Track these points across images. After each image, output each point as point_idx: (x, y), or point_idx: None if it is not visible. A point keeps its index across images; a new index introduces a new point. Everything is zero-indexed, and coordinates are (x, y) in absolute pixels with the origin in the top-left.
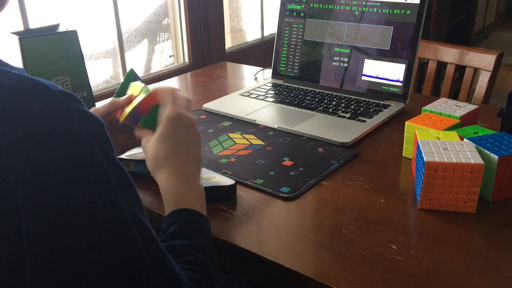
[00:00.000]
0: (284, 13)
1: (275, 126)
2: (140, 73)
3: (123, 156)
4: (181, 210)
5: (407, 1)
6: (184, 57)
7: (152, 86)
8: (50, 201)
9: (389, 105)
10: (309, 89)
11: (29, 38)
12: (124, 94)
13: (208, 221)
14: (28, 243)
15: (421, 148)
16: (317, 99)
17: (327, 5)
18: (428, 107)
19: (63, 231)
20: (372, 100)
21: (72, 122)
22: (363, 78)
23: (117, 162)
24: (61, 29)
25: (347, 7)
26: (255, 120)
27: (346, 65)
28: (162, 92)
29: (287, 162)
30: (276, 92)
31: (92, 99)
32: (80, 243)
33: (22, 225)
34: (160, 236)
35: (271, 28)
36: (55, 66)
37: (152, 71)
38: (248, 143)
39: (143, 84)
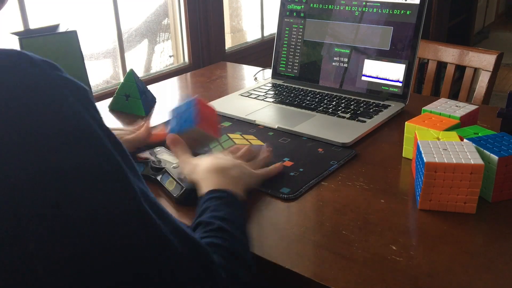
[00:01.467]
0: (284, 13)
1: (275, 126)
2: (140, 73)
3: None
4: (214, 190)
5: (407, 1)
6: (184, 57)
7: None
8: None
9: (389, 105)
10: (309, 89)
11: (29, 39)
12: (124, 94)
13: (238, 199)
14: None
15: (421, 149)
16: (317, 99)
17: (327, 5)
18: (428, 107)
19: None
20: (372, 100)
21: (56, 90)
22: (363, 78)
23: (108, 128)
24: (61, 29)
25: (347, 8)
26: (255, 121)
27: (346, 65)
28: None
29: (287, 163)
30: (276, 92)
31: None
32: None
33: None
34: (196, 216)
35: (271, 28)
36: None
37: (152, 71)
38: (248, 143)
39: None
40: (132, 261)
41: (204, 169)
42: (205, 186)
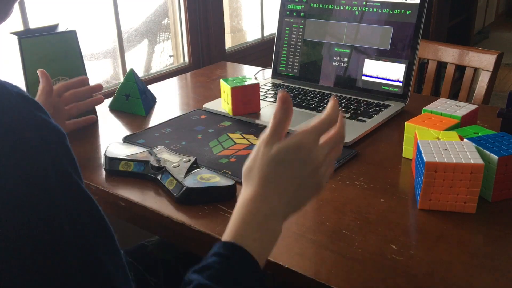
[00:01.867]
0: (284, 13)
1: None
2: (140, 73)
3: (123, 156)
4: (233, 245)
5: (407, 1)
6: (184, 57)
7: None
8: None
9: (389, 105)
10: (309, 89)
11: (28, 38)
12: (125, 94)
13: (261, 272)
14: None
15: (421, 148)
16: (317, 99)
17: (327, 5)
18: (428, 107)
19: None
20: (372, 100)
21: (25, 130)
22: (363, 78)
23: (70, 175)
24: (61, 29)
25: (347, 7)
26: (255, 120)
27: (346, 65)
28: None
29: None
30: (276, 92)
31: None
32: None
33: None
34: (202, 262)
35: (271, 28)
36: (55, 66)
37: (152, 71)
38: (248, 143)
39: None
40: None
41: (266, 160)
42: (241, 195)
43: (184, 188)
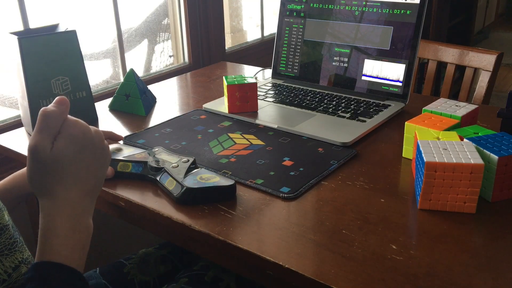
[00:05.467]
0: (284, 13)
1: (275, 126)
2: (140, 73)
3: (120, 157)
4: (47, 264)
5: (407, 1)
6: (184, 57)
7: None
8: None
9: (389, 105)
10: (309, 89)
11: (28, 38)
12: (125, 94)
13: (80, 275)
14: None
15: (421, 148)
16: (317, 99)
17: (327, 5)
18: (428, 107)
19: None
20: (372, 100)
21: None
22: (363, 78)
23: None
24: (61, 29)
25: (347, 7)
26: (255, 120)
27: (346, 65)
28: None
29: (287, 162)
30: (276, 92)
31: (92, 99)
32: None
33: None
34: None
35: (271, 28)
36: (54, 66)
37: (152, 71)
38: (248, 143)
39: None
40: None
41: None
42: (41, 209)
43: (184, 188)
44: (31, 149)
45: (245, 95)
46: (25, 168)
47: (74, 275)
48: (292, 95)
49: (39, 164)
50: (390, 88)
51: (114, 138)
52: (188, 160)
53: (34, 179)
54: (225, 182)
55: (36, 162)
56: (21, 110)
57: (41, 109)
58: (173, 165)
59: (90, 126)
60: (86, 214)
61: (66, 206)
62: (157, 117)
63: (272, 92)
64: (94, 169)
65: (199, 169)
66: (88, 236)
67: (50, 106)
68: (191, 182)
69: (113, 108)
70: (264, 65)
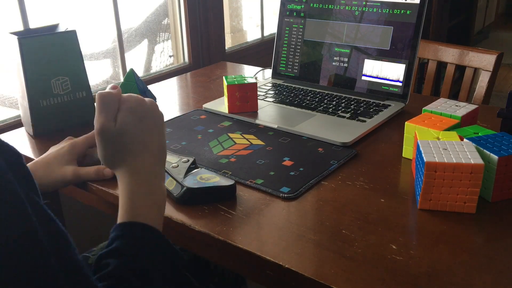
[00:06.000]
0: (284, 13)
1: (275, 126)
2: (140, 73)
3: None
4: (131, 224)
5: (407, 1)
6: (184, 57)
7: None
8: None
9: (389, 105)
10: (309, 89)
11: (27, 38)
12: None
13: (163, 236)
14: None
15: (421, 148)
16: (317, 99)
17: (327, 5)
18: (428, 107)
19: None
20: (372, 100)
21: None
22: (363, 78)
23: (32, 197)
24: (61, 29)
25: (347, 7)
26: (255, 120)
27: (346, 65)
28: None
29: (287, 162)
30: (276, 92)
31: (92, 99)
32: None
33: None
34: (105, 248)
35: (271, 28)
36: (54, 66)
37: (152, 71)
38: (248, 143)
39: None
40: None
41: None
42: (120, 179)
43: (185, 188)
44: (99, 130)
45: (245, 95)
46: (32, 162)
47: (153, 231)
48: (292, 95)
49: (108, 142)
50: (390, 88)
51: None
52: (188, 160)
53: (107, 158)
54: (225, 182)
55: (105, 141)
56: (21, 110)
57: (98, 93)
58: (173, 165)
59: (143, 98)
60: (158, 178)
61: (140, 173)
62: None
63: (272, 92)
64: (156, 133)
65: (199, 169)
66: (164, 199)
67: (105, 90)
68: (191, 182)
69: None
70: (264, 65)
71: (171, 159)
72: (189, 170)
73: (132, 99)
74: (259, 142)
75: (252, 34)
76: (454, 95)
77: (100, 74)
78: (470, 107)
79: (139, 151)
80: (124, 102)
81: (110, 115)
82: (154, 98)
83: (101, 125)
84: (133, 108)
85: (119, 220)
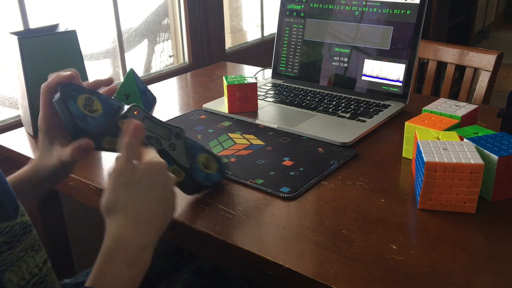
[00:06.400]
0: (284, 13)
1: (275, 126)
2: (140, 73)
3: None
4: None
5: (407, 1)
6: (184, 57)
7: None
8: None
9: (389, 105)
10: (309, 89)
11: (27, 38)
12: (125, 94)
13: None
14: None
15: (421, 148)
16: (317, 99)
17: (327, 5)
18: (428, 107)
19: None
20: (372, 100)
21: None
22: (363, 78)
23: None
24: (61, 29)
25: (347, 7)
26: (255, 120)
27: (346, 65)
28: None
29: (287, 162)
30: (276, 92)
31: None
32: None
33: None
34: None
35: (271, 28)
36: (54, 66)
37: (152, 71)
38: (248, 143)
39: None
40: None
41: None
42: (109, 230)
43: (198, 185)
44: (118, 171)
45: (245, 95)
46: (34, 158)
47: None
48: (292, 95)
49: (121, 186)
50: (390, 88)
51: (104, 84)
52: (179, 134)
53: (111, 200)
54: (221, 166)
55: (119, 183)
56: (21, 110)
57: (127, 142)
58: (171, 143)
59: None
60: (146, 256)
61: (130, 243)
62: (157, 117)
63: (272, 92)
64: (163, 208)
65: (191, 145)
66: (142, 274)
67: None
68: (200, 175)
69: None
70: (264, 65)
71: (161, 132)
72: (186, 149)
73: (155, 162)
74: (259, 142)
75: (252, 34)
76: (454, 95)
77: (100, 74)
78: (470, 107)
79: (151, 213)
80: (147, 152)
81: (131, 161)
82: (154, 98)
83: (119, 168)
84: (153, 173)
85: (89, 279)
